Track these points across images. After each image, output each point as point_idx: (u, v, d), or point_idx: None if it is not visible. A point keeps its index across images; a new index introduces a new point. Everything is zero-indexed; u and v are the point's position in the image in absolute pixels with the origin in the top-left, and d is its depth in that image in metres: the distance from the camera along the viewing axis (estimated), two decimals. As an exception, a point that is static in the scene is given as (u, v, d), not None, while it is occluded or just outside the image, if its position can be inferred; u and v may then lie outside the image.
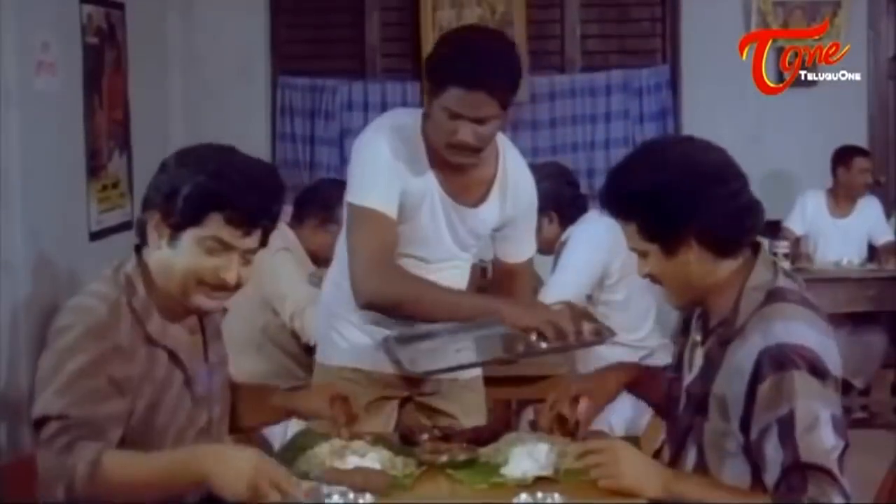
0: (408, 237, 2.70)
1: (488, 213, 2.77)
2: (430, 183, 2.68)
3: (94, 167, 4.82)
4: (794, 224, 5.90)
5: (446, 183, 2.69)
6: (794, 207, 5.91)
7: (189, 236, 2.07)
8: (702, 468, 2.11)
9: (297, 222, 4.07)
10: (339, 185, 3.01)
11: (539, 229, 3.77)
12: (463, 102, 2.52)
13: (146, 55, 5.50)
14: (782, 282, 2.09)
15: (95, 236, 4.77)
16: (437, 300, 2.63)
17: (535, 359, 2.95)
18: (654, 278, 2.15)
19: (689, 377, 2.18)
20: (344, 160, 6.20)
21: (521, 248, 2.91)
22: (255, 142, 5.86)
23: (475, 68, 2.52)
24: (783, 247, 5.51)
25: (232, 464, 1.90)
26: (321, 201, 3.99)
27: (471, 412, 2.86)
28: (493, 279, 3.02)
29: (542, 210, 3.79)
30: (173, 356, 2.14)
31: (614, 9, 6.30)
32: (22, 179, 4.11)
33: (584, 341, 2.64)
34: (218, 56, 6.13)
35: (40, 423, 1.98)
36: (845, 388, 5.48)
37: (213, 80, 6.11)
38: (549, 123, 6.21)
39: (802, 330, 1.99)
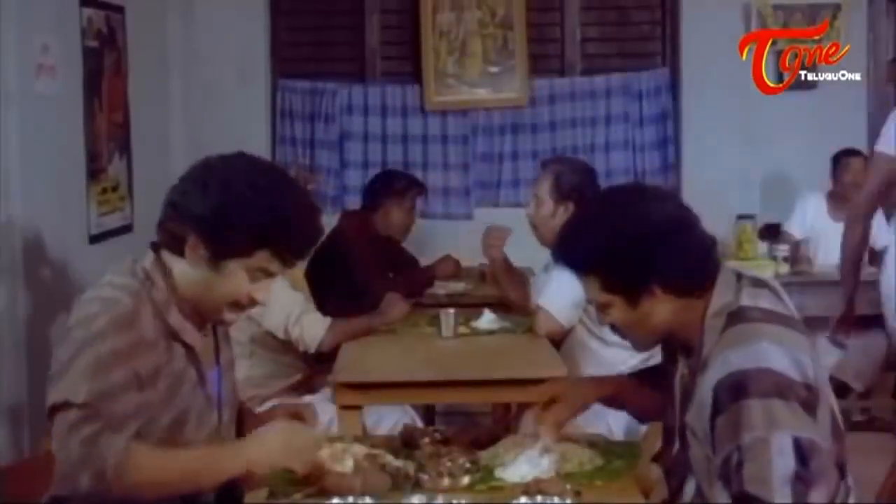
0: None
1: None
2: None
3: (94, 170, 4.82)
4: (795, 227, 5.88)
5: None
6: (794, 210, 5.89)
7: (236, 265, 2.07)
8: (701, 496, 2.06)
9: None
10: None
11: (553, 216, 3.76)
12: None
13: (146, 58, 5.50)
14: (746, 298, 2.04)
15: (95, 239, 4.77)
16: None
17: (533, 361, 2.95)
18: (616, 328, 2.14)
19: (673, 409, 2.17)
20: (343, 163, 6.23)
21: None
22: (255, 145, 5.85)
23: None
24: (783, 250, 5.51)
25: (266, 441, 2.07)
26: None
27: None
28: None
29: (565, 198, 3.78)
30: (190, 352, 2.13)
31: (614, 12, 6.30)
32: (22, 182, 4.10)
33: None
34: (218, 59, 6.12)
35: (58, 408, 1.96)
36: (845, 391, 5.52)
37: (214, 84, 6.11)
38: (549, 126, 6.21)
39: (760, 351, 1.93)
